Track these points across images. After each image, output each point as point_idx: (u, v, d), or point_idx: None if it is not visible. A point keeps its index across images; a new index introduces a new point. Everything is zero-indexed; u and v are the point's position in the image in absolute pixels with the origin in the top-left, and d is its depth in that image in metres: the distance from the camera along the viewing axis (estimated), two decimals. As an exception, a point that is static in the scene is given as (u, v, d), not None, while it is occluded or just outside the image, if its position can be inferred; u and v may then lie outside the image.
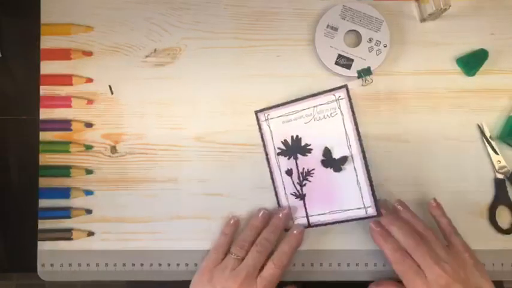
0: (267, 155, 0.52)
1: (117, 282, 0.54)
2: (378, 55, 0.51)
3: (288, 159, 0.52)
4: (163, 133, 0.54)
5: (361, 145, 0.51)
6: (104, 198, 0.54)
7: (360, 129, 0.51)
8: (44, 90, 0.54)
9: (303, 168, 0.52)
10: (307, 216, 0.52)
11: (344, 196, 0.51)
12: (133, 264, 0.53)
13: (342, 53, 0.51)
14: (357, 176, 0.51)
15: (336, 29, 0.50)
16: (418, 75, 0.53)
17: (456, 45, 0.53)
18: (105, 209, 0.54)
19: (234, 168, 0.53)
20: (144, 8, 0.54)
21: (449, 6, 0.50)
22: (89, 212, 0.53)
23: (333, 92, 0.51)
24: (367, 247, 0.52)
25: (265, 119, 0.52)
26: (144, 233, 0.53)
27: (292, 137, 0.52)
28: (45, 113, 0.54)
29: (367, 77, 0.51)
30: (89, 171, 0.54)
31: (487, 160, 0.53)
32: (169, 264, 0.53)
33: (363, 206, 0.51)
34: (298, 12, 0.54)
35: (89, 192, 0.53)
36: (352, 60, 0.51)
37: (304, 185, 0.52)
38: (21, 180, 0.54)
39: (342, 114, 0.51)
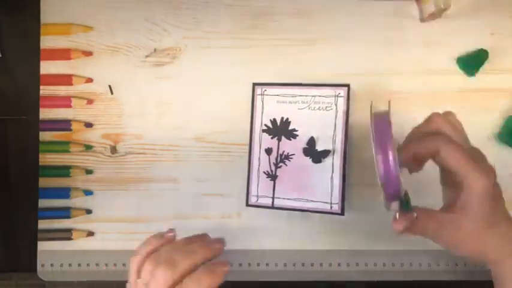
0: (251, 128, 0.53)
1: (117, 282, 0.54)
2: None
3: (272, 138, 0.52)
4: (163, 133, 0.54)
5: (345, 145, 0.51)
6: (103, 198, 0.54)
7: (350, 132, 0.52)
8: (44, 90, 0.54)
9: (283, 151, 0.52)
10: (273, 197, 0.52)
11: (315, 187, 0.52)
12: (133, 264, 0.53)
13: None
14: (332, 172, 0.51)
15: None
16: (418, 75, 0.53)
17: (456, 45, 0.53)
18: (105, 209, 0.54)
19: (234, 168, 0.53)
20: (144, 8, 0.54)
21: (449, 6, 0.50)
22: (88, 212, 0.53)
23: (334, 88, 0.51)
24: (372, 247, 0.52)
25: (261, 93, 0.52)
26: (144, 233, 0.53)
27: (282, 118, 0.52)
28: (45, 113, 0.54)
29: None
30: (88, 171, 0.54)
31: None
32: None
33: (329, 201, 0.51)
34: (299, 12, 0.54)
35: (88, 192, 0.53)
36: None
37: (280, 167, 0.52)
38: (21, 180, 0.54)
39: (337, 111, 0.51)
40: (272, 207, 0.52)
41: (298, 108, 0.52)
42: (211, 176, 0.53)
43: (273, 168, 0.52)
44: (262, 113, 0.52)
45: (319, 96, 0.52)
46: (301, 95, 0.52)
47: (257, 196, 0.52)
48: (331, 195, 0.51)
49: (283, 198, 0.52)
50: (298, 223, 0.53)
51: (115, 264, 0.53)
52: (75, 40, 0.54)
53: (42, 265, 0.53)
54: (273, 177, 0.52)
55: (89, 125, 0.54)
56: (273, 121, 0.52)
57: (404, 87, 0.53)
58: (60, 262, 0.53)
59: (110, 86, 0.54)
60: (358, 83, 0.53)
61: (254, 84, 0.53)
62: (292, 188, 0.52)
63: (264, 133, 0.52)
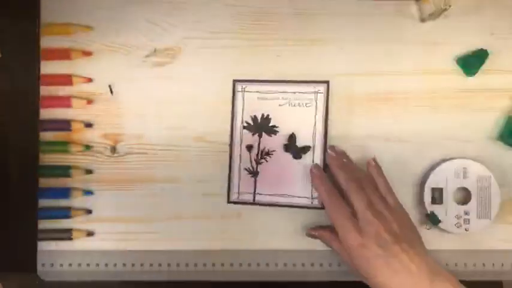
0: (232, 125, 0.53)
1: (117, 282, 0.54)
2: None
3: (253, 135, 0.53)
4: (163, 133, 0.54)
5: (325, 141, 0.52)
6: (103, 198, 0.54)
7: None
8: (44, 90, 0.54)
9: (264, 147, 0.52)
10: (254, 193, 0.52)
11: (296, 183, 0.52)
12: (133, 265, 0.53)
13: None
14: None
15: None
16: (418, 75, 0.53)
17: (456, 45, 0.53)
18: (105, 209, 0.54)
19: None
20: (144, 8, 0.54)
21: (450, 6, 0.50)
22: (88, 212, 0.53)
23: (314, 84, 0.52)
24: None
25: (242, 90, 0.53)
26: (144, 233, 0.53)
27: (262, 114, 0.52)
28: (45, 113, 0.54)
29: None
30: (88, 171, 0.54)
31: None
32: (169, 265, 0.53)
33: (310, 196, 0.52)
34: (299, 12, 0.54)
35: (88, 192, 0.53)
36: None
37: (261, 163, 0.52)
38: (21, 180, 0.54)
39: (316, 107, 0.52)
40: (253, 203, 0.53)
41: (279, 105, 0.52)
42: (212, 176, 0.53)
43: (254, 164, 0.53)
44: (242, 109, 0.53)
45: (299, 92, 0.52)
46: (281, 92, 0.52)
47: (238, 193, 0.53)
48: (312, 191, 0.52)
49: (265, 194, 0.52)
50: (299, 223, 0.53)
51: (115, 264, 0.53)
52: (75, 40, 0.54)
53: (42, 265, 0.53)
54: (254, 173, 0.53)
55: (88, 125, 0.54)
56: (254, 118, 0.53)
57: (404, 87, 0.53)
58: (60, 262, 0.53)
59: (109, 86, 0.54)
60: (358, 83, 0.53)
61: (234, 81, 0.53)
62: (273, 184, 0.52)
63: (245, 130, 0.53)
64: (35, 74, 0.53)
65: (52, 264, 0.53)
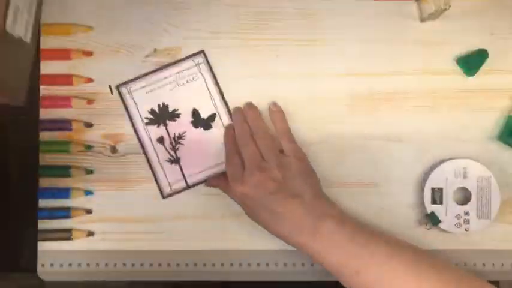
0: (134, 127, 0.53)
1: (117, 283, 0.54)
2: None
3: (158, 127, 0.53)
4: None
5: (226, 103, 0.53)
6: (104, 198, 0.54)
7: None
8: (44, 90, 0.54)
9: (174, 133, 0.53)
10: (184, 178, 0.53)
11: (217, 150, 0.53)
12: (133, 265, 0.53)
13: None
14: None
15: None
16: (418, 75, 0.53)
17: (456, 45, 0.53)
18: (105, 209, 0.54)
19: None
20: (144, 8, 0.54)
21: (450, 6, 0.50)
22: (89, 212, 0.53)
23: (192, 58, 0.53)
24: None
25: (128, 92, 0.53)
26: (144, 233, 0.53)
27: (159, 105, 0.53)
28: (45, 113, 0.54)
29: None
30: (89, 171, 0.53)
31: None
32: (169, 264, 0.53)
33: None
34: (299, 12, 0.54)
35: (88, 192, 0.53)
36: None
37: (178, 148, 0.53)
38: (21, 180, 0.54)
39: (204, 77, 0.53)
40: (188, 187, 0.53)
41: (169, 90, 0.53)
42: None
43: (172, 152, 0.53)
44: (138, 109, 0.53)
45: (182, 71, 0.53)
46: (165, 77, 0.53)
47: (169, 185, 0.53)
48: None
49: (196, 173, 0.53)
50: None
51: (115, 264, 0.53)
52: (75, 40, 0.54)
53: (42, 265, 0.53)
54: (176, 160, 0.53)
55: (89, 125, 0.54)
56: (152, 111, 0.53)
57: (404, 87, 0.53)
58: (60, 262, 0.53)
59: (110, 86, 0.54)
60: (358, 83, 0.53)
61: (118, 86, 0.53)
62: (198, 161, 0.53)
63: (149, 125, 0.53)
64: (35, 74, 0.53)
65: (52, 264, 0.53)
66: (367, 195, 0.53)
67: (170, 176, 0.53)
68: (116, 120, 0.54)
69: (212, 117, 0.53)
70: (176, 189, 0.53)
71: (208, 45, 0.53)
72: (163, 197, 0.53)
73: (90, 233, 0.54)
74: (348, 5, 0.53)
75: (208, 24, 0.54)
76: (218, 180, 0.52)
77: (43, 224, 0.53)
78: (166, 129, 0.53)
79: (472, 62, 0.53)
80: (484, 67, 0.52)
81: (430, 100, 0.53)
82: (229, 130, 0.52)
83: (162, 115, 0.53)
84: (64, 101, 0.53)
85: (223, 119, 0.53)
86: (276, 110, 0.52)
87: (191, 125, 0.53)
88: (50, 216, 0.53)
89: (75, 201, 0.54)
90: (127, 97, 0.53)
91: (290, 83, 0.53)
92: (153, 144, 0.53)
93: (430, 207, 0.51)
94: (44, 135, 0.54)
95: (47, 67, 0.54)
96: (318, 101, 0.53)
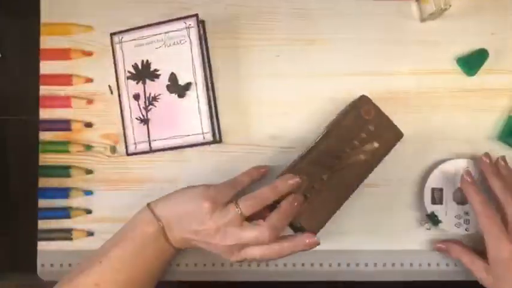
0: (117, 78, 0.52)
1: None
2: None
3: (137, 83, 0.52)
4: (163, 133, 0.53)
5: (206, 74, 0.51)
6: (103, 198, 0.54)
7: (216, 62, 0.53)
8: (44, 90, 0.54)
9: (150, 93, 0.52)
10: (149, 141, 0.52)
11: (186, 122, 0.52)
12: (133, 264, 0.53)
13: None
14: (198, 102, 0.51)
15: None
16: (418, 75, 0.53)
17: (456, 45, 0.53)
18: (105, 209, 0.54)
19: (233, 169, 0.53)
20: (144, 8, 0.54)
21: (450, 6, 0.50)
22: (88, 212, 0.53)
23: (184, 20, 0.51)
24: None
25: (119, 42, 0.52)
26: (144, 233, 0.53)
27: (142, 61, 0.52)
28: (45, 113, 0.54)
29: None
30: (88, 171, 0.53)
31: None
32: (169, 265, 0.53)
33: (201, 132, 0.51)
34: (299, 12, 0.54)
35: (88, 192, 0.53)
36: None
37: (150, 109, 0.52)
38: (21, 180, 0.54)
39: (191, 42, 0.51)
40: (150, 151, 0.52)
41: (156, 48, 0.52)
42: (212, 176, 0.53)
43: (144, 112, 0.52)
44: (123, 61, 0.52)
45: (172, 31, 0.51)
46: (155, 34, 0.52)
47: (135, 143, 0.52)
48: (202, 126, 0.51)
49: (160, 140, 0.52)
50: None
51: (115, 264, 0.53)
52: (75, 40, 0.54)
53: (42, 265, 0.53)
54: (145, 121, 0.52)
55: (88, 125, 0.54)
56: (135, 66, 0.52)
57: (404, 87, 0.53)
58: (60, 262, 0.53)
59: (109, 86, 0.54)
60: (358, 83, 0.53)
61: (111, 34, 0.52)
62: (166, 128, 0.52)
63: (129, 80, 0.52)
64: (35, 74, 0.53)
65: (52, 264, 0.53)
66: (367, 195, 0.53)
67: (138, 135, 0.52)
68: (116, 120, 0.53)
69: (188, 85, 0.51)
70: (140, 149, 0.52)
71: (208, 45, 0.53)
72: (128, 154, 0.52)
73: (90, 233, 0.54)
74: (348, 5, 0.53)
75: (209, 24, 0.54)
76: (451, 245, 0.51)
77: (43, 224, 0.53)
78: (144, 87, 0.52)
79: (472, 61, 0.53)
80: (484, 67, 0.52)
81: (430, 100, 0.53)
82: (478, 190, 0.49)
83: (143, 72, 0.52)
84: (64, 101, 0.53)
85: (199, 91, 0.51)
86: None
87: (167, 89, 0.52)
88: (50, 216, 0.53)
89: (75, 201, 0.54)
90: (117, 47, 0.52)
91: (290, 83, 0.53)
92: (129, 99, 0.52)
93: (430, 208, 0.51)
94: (44, 135, 0.54)
95: (47, 67, 0.54)
96: (317, 101, 0.53)
